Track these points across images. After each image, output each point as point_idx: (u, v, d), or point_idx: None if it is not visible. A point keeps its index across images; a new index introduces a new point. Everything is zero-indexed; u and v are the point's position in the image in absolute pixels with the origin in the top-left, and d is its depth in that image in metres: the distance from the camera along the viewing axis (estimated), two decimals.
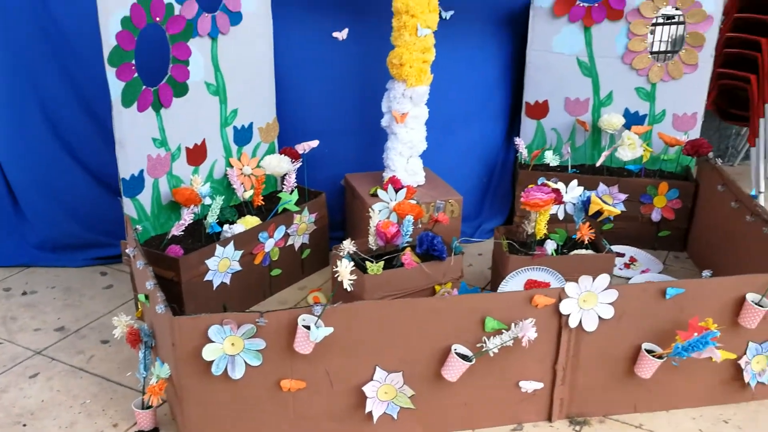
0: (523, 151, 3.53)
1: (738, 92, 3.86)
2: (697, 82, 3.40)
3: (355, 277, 2.10)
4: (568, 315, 2.20)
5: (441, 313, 2.15)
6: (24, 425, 2.34)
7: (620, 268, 3.30)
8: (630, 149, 3.30)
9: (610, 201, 3.35)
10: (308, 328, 2.03)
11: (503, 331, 2.16)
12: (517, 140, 3.55)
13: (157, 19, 2.63)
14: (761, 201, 3.89)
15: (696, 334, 2.15)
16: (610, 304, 2.21)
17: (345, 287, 2.04)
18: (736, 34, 3.76)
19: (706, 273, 2.30)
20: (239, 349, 2.07)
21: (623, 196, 3.39)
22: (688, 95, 3.43)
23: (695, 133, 3.49)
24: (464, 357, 2.17)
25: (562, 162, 3.52)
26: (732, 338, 2.32)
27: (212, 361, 2.05)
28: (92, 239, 3.32)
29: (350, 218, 3.40)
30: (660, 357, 2.25)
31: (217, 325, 2.03)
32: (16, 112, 3.14)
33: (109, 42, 2.46)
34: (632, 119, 3.50)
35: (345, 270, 2.02)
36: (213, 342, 2.04)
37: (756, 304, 2.26)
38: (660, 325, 2.26)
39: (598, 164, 3.40)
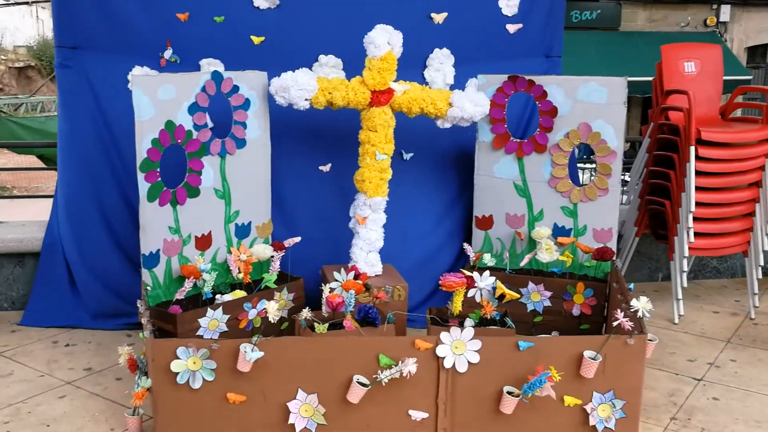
0: (471, 255, 4.35)
1: (663, 215, 4.61)
2: (609, 203, 4.18)
3: (279, 314, 2.93)
4: (444, 357, 2.94)
5: (347, 349, 2.94)
6: (48, 425, 3.19)
7: None
8: (547, 253, 4.07)
9: (538, 297, 4.12)
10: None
11: (392, 366, 2.92)
12: (466, 246, 4.37)
13: (179, 140, 3.67)
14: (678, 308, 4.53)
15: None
16: (476, 351, 2.95)
17: (271, 320, 2.87)
18: (656, 168, 4.56)
19: (554, 333, 3.01)
20: (198, 367, 2.91)
21: (548, 293, 4.12)
22: (603, 213, 4.21)
23: (612, 244, 4.22)
24: (363, 384, 2.92)
25: (500, 264, 4.30)
26: (579, 388, 3.00)
27: (178, 373, 2.88)
28: (124, 309, 4.26)
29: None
30: (516, 396, 2.94)
31: (183, 347, 2.88)
32: (79, 207, 4.22)
33: (141, 155, 3.51)
34: (560, 232, 4.28)
35: (271, 308, 2.87)
36: (180, 359, 2.89)
37: (591, 359, 2.95)
38: (517, 371, 2.97)
39: (521, 264, 4.17)
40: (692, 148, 4.24)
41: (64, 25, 4.22)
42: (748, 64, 19.13)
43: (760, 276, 4.66)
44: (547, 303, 4.13)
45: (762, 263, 4.58)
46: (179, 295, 3.64)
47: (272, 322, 2.98)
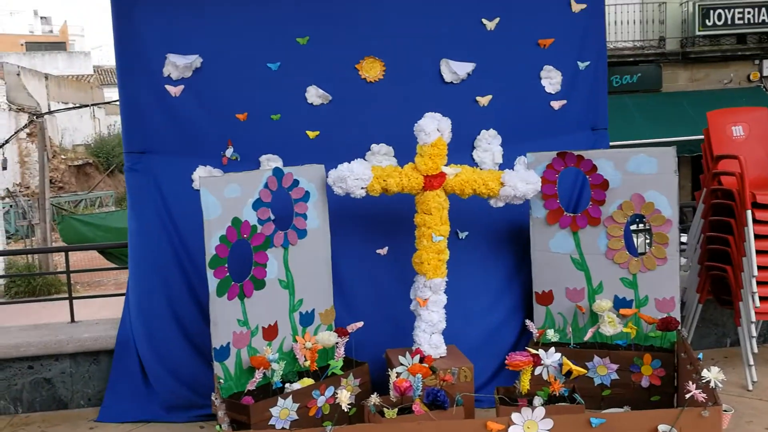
0: (534, 331, 4.35)
1: (725, 280, 4.56)
2: (669, 272, 4.18)
3: (350, 402, 2.99)
4: None
5: None
6: None
7: None
8: (610, 326, 4.07)
9: (605, 370, 4.10)
10: None
11: None
12: (528, 322, 4.39)
13: (245, 236, 3.84)
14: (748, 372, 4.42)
15: None
16: (548, 430, 2.95)
17: (343, 408, 2.93)
18: (713, 233, 4.55)
19: (626, 407, 3.00)
20: None
21: (615, 366, 4.09)
22: (664, 282, 4.20)
23: (676, 313, 4.19)
24: None
25: (564, 339, 4.30)
26: None
27: None
28: (196, 401, 4.36)
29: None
30: None
31: None
32: (150, 304, 4.40)
33: (210, 252, 3.68)
34: (621, 303, 4.27)
35: (344, 397, 2.93)
36: None
37: None
38: None
39: (585, 338, 4.16)
40: (749, 212, 4.24)
41: (133, 132, 4.51)
42: None
43: None
44: (615, 376, 4.10)
45: None
46: (250, 386, 3.73)
47: (344, 409, 3.03)
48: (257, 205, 3.89)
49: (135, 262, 4.53)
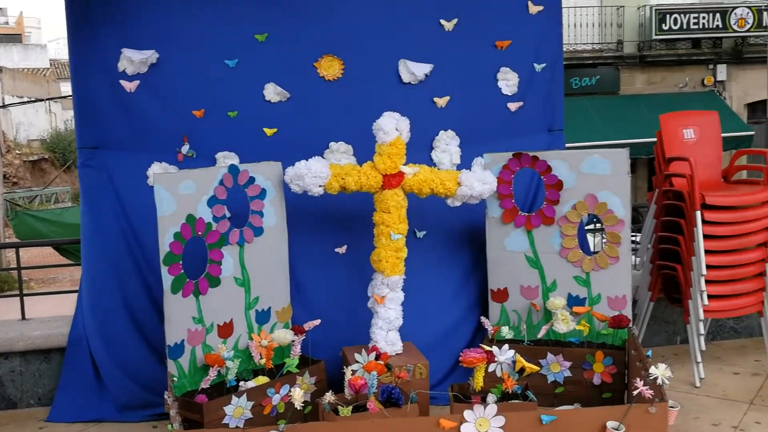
0: (489, 328, 4.40)
1: (676, 279, 4.67)
2: (621, 271, 4.26)
3: (305, 400, 2.99)
4: None
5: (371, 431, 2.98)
6: None
7: None
8: (564, 323, 4.13)
9: (558, 368, 4.17)
10: None
11: None
12: (484, 319, 4.43)
13: (199, 233, 3.81)
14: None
15: None
16: (500, 427, 2.99)
17: (296, 407, 2.93)
18: (664, 233, 4.66)
19: (576, 404, 3.05)
20: None
21: (568, 364, 4.15)
22: (616, 281, 4.28)
23: (627, 311, 4.28)
24: None
25: (518, 336, 4.35)
26: None
27: None
28: (150, 400, 4.30)
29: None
30: None
31: None
32: (103, 301, 4.33)
33: (164, 249, 3.64)
34: (574, 301, 4.34)
35: (297, 395, 2.93)
36: None
37: (615, 430, 2.98)
38: None
39: (539, 336, 4.22)
40: (698, 213, 4.34)
41: (86, 127, 4.43)
42: (749, 120, 19.39)
43: None
44: (568, 373, 4.16)
45: None
46: (204, 384, 3.71)
47: (298, 408, 3.03)
48: (212, 202, 3.86)
49: (88, 259, 4.46)
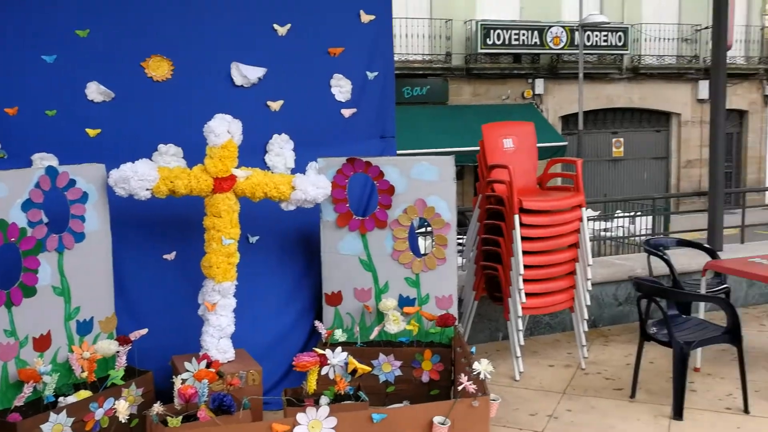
0: (323, 332, 4.44)
1: (497, 279, 4.96)
2: (447, 272, 4.47)
3: (131, 413, 2.87)
4: None
5: None
6: None
7: None
8: (394, 324, 4.27)
9: (389, 368, 4.28)
10: None
11: None
12: (317, 323, 4.47)
13: (12, 239, 3.54)
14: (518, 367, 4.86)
15: None
16: (332, 428, 3.03)
17: (121, 420, 2.80)
18: (487, 235, 4.94)
19: (405, 402, 3.16)
20: None
21: (398, 363, 4.29)
22: (443, 281, 4.48)
23: (453, 310, 4.49)
24: None
25: (351, 339, 4.43)
26: None
27: None
28: None
29: None
30: None
31: None
32: None
33: None
34: (405, 302, 4.49)
35: (122, 408, 2.80)
36: None
37: (441, 424, 3.11)
38: None
39: (371, 337, 4.34)
40: (516, 217, 4.64)
41: None
42: (563, 131, 21.01)
43: (586, 329, 5.09)
44: (398, 372, 4.30)
45: (586, 317, 5.02)
46: (18, 402, 3.45)
47: (122, 421, 2.89)
48: (27, 206, 3.60)
49: None
